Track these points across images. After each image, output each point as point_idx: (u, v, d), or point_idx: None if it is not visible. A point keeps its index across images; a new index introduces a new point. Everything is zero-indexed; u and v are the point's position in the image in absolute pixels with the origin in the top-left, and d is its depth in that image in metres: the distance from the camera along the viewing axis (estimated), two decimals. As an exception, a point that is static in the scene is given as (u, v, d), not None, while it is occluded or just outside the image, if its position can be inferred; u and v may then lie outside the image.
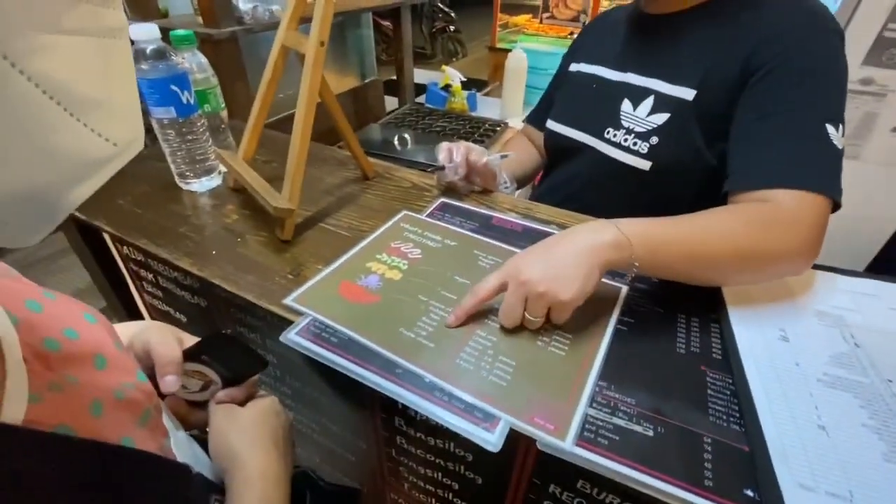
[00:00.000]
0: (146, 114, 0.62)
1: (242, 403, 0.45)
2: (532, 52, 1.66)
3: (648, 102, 0.64)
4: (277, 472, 0.35)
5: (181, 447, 0.33)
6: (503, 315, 0.46)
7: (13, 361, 0.20)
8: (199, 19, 0.97)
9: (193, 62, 0.70)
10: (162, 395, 0.36)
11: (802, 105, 0.51)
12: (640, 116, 0.64)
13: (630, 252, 0.44)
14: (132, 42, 0.55)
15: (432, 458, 0.50)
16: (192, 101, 0.64)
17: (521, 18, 2.73)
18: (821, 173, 0.48)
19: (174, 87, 0.61)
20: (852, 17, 1.30)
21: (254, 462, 0.35)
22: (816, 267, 0.53)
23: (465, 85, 1.77)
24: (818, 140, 0.49)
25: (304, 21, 0.61)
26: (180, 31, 0.68)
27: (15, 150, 0.17)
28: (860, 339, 0.44)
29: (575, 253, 0.44)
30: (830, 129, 0.49)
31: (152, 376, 0.36)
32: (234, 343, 0.42)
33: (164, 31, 0.64)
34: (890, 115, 1.35)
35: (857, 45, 1.31)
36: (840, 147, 0.50)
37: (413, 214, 0.65)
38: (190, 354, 0.40)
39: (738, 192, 0.53)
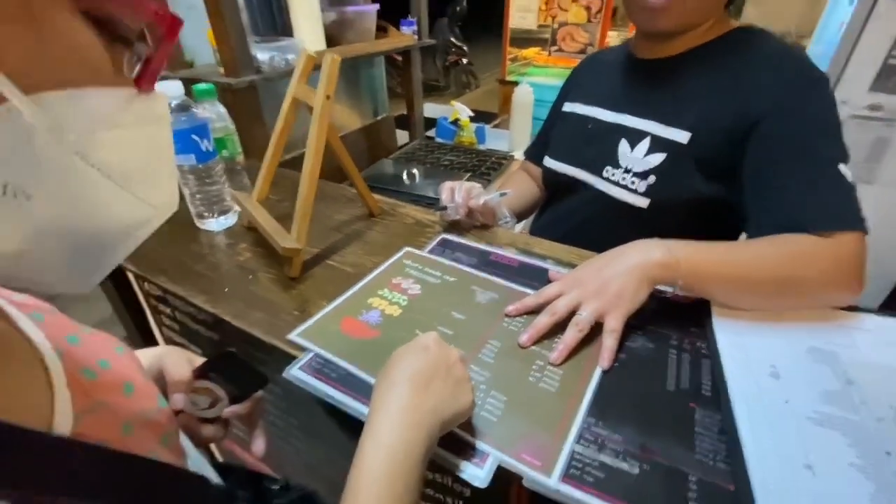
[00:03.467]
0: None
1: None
2: (539, 85, 1.71)
3: (645, 143, 0.66)
4: (402, 406, 0.35)
5: (196, 467, 0.36)
6: (550, 308, 0.51)
7: (59, 388, 0.24)
8: (221, 69, 1.04)
9: (213, 111, 0.76)
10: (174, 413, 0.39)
11: (817, 151, 0.54)
12: (637, 157, 0.66)
13: (677, 271, 0.50)
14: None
15: (431, 493, 0.51)
16: (210, 149, 0.69)
17: (531, 51, 2.81)
18: (849, 213, 0.51)
19: (195, 137, 0.66)
20: (857, 43, 1.31)
21: (376, 394, 0.37)
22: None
23: (476, 118, 1.82)
24: (839, 182, 0.52)
25: (315, 69, 0.66)
26: (202, 85, 0.74)
27: (80, 221, 0.22)
28: (853, 376, 0.44)
29: (627, 268, 0.50)
30: (843, 168, 0.52)
31: (166, 396, 0.39)
32: (239, 362, 0.45)
33: (189, 82, 0.70)
34: (901, 139, 1.34)
35: (863, 72, 1.32)
36: (853, 183, 0.52)
37: (414, 251, 0.68)
38: (199, 373, 0.44)
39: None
